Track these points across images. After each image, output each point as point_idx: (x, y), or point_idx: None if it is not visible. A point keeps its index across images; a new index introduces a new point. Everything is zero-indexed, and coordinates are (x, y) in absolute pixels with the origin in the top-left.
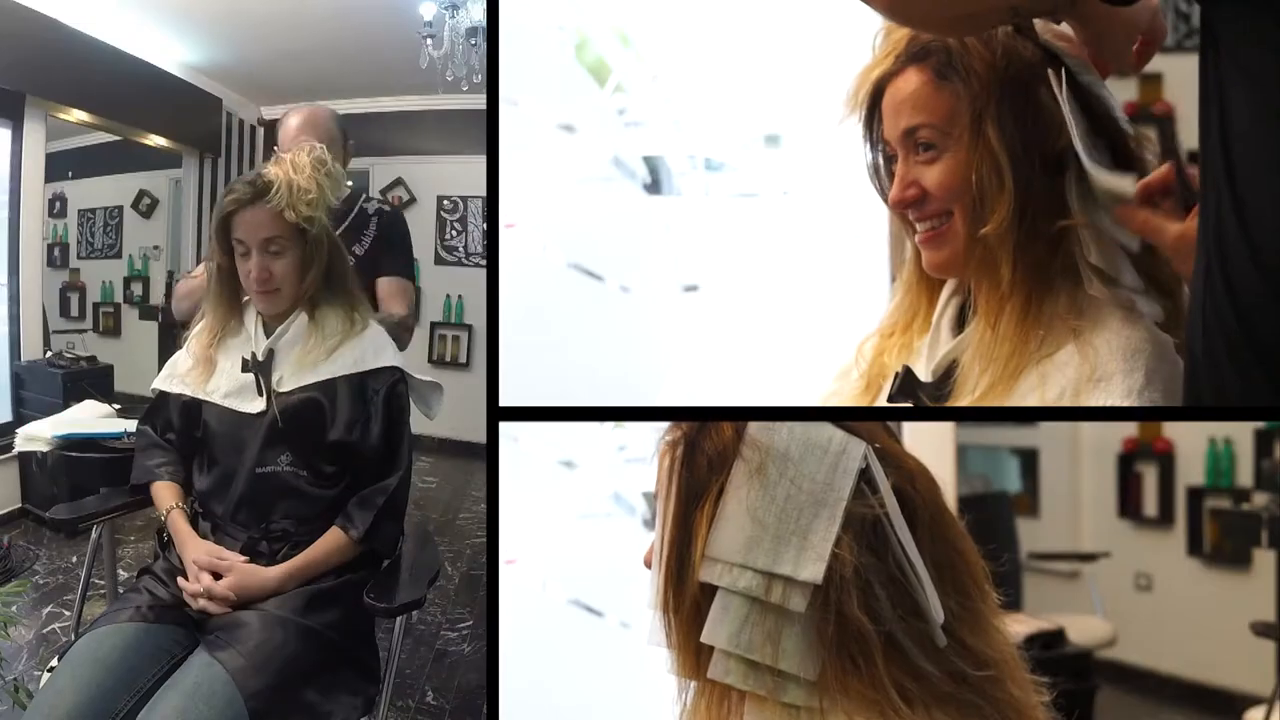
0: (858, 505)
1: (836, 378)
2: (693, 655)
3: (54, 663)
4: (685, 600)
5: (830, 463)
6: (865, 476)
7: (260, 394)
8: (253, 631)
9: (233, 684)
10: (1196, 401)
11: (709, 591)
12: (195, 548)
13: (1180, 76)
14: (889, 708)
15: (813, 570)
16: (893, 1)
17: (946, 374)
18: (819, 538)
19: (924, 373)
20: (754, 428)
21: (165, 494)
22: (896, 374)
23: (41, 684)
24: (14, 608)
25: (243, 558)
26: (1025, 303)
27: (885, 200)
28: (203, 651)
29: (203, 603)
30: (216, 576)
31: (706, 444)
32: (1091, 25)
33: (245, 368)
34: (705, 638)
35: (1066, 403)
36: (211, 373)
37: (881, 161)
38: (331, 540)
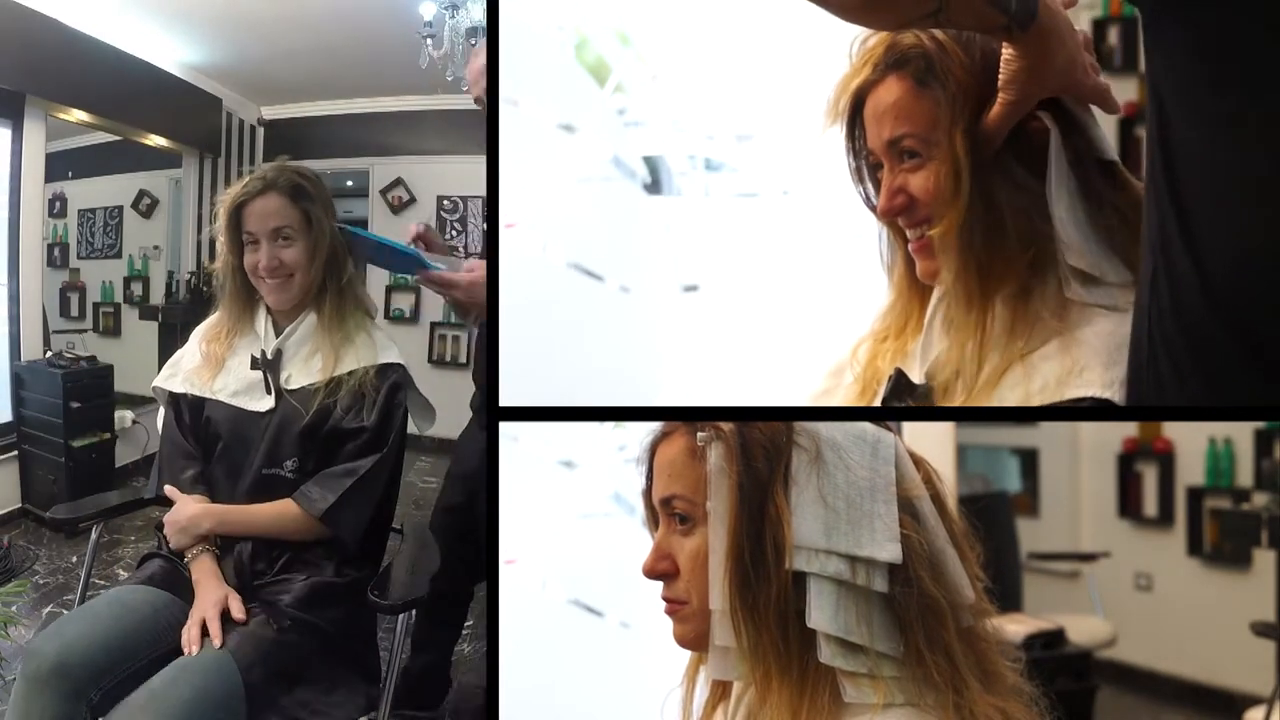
0: (898, 490)
1: (829, 375)
2: (772, 648)
3: None
4: (769, 593)
5: (870, 450)
6: (896, 464)
7: (269, 392)
8: (252, 614)
9: (229, 657)
10: (1139, 404)
11: (795, 581)
12: (206, 596)
13: None
14: (960, 682)
15: (891, 550)
16: None
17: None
18: (886, 520)
19: (917, 376)
20: None
21: (200, 523)
22: (890, 378)
23: None
24: (14, 608)
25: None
26: (1015, 305)
27: (870, 206)
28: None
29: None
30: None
31: (755, 434)
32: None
33: (254, 365)
34: (813, 623)
35: (1049, 395)
36: (218, 371)
37: (865, 170)
38: (281, 506)
